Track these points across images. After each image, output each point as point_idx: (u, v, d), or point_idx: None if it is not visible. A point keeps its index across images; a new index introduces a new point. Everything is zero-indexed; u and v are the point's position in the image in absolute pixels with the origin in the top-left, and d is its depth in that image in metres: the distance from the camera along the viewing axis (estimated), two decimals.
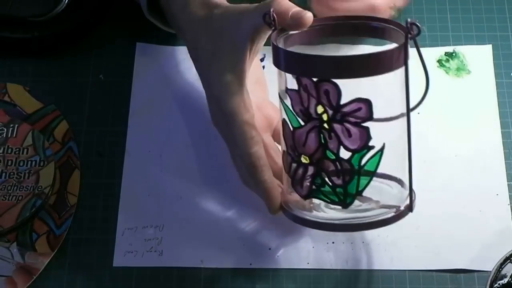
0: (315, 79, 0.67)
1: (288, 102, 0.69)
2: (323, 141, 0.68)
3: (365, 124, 0.67)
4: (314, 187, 0.70)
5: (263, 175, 0.73)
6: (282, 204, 0.74)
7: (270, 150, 0.77)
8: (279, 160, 0.75)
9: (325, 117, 0.67)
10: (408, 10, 0.90)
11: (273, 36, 0.70)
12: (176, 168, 0.82)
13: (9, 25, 0.87)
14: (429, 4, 0.90)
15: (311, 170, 0.70)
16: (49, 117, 0.84)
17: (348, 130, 0.67)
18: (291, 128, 0.70)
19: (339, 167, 0.69)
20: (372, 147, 0.68)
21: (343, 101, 0.67)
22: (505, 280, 0.70)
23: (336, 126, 0.67)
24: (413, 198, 0.72)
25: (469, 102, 0.84)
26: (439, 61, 0.86)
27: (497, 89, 0.85)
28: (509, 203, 0.79)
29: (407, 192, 0.72)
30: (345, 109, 0.67)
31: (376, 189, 0.71)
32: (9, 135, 0.83)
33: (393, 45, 0.68)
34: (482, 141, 0.82)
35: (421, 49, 0.68)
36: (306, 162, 0.70)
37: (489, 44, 0.88)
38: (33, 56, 0.88)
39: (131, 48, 0.88)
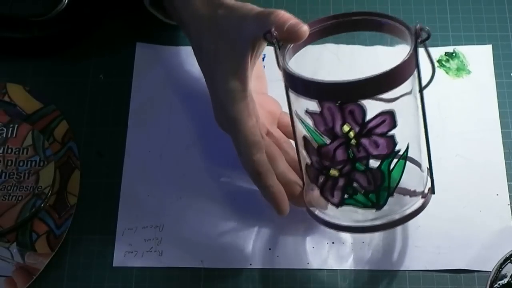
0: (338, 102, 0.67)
1: (309, 122, 0.69)
2: (351, 156, 0.69)
3: (390, 133, 0.68)
4: (346, 195, 0.71)
5: (267, 180, 0.74)
6: (307, 206, 0.75)
7: (281, 142, 0.77)
8: (291, 150, 0.77)
9: (351, 134, 0.68)
10: (408, 11, 0.90)
11: (280, 59, 0.69)
12: (176, 168, 0.81)
13: (9, 25, 0.87)
14: (429, 4, 0.90)
15: (341, 181, 0.70)
16: (49, 117, 0.84)
17: (375, 142, 0.68)
18: (316, 146, 0.70)
19: (369, 175, 0.69)
20: (399, 151, 0.69)
21: (368, 116, 0.67)
22: (505, 280, 0.70)
23: (364, 141, 0.68)
24: (432, 183, 0.74)
25: (469, 102, 0.84)
26: (439, 61, 0.86)
27: (497, 89, 0.85)
28: (509, 203, 0.79)
29: (425, 174, 0.73)
30: (371, 124, 0.68)
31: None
32: (9, 135, 0.83)
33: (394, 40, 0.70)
34: (482, 141, 0.82)
35: (421, 50, 0.69)
36: (336, 174, 0.70)
37: (489, 44, 0.87)
38: (33, 56, 0.88)
39: (131, 48, 0.88)
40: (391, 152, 0.69)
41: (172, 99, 0.85)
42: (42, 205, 0.79)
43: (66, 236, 0.78)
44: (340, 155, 0.69)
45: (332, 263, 0.77)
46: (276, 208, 0.74)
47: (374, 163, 0.69)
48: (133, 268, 0.77)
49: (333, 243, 0.77)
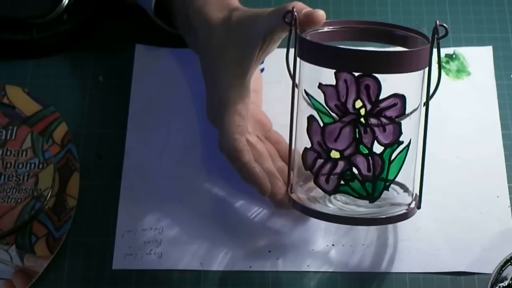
0: (356, 74, 0.68)
1: (319, 98, 0.70)
2: (357, 136, 0.69)
3: (398, 120, 0.69)
4: (342, 182, 0.71)
5: (245, 157, 0.74)
6: (290, 198, 0.75)
7: (270, 149, 0.78)
8: (276, 158, 0.78)
9: (362, 111, 0.69)
10: (408, 12, 0.90)
11: (298, 31, 0.71)
12: (175, 171, 0.81)
13: (9, 27, 0.87)
14: (429, 5, 0.90)
15: (341, 165, 0.71)
16: (48, 119, 0.84)
17: (383, 125, 0.69)
18: (321, 124, 0.70)
19: (371, 161, 0.70)
20: (402, 142, 0.70)
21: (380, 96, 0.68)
22: (506, 283, 0.70)
23: (373, 121, 0.69)
24: (420, 198, 0.74)
25: (469, 104, 0.84)
26: None
27: (497, 90, 0.85)
28: (509, 205, 0.79)
29: (410, 196, 0.74)
30: (383, 104, 0.69)
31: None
32: (8, 138, 0.82)
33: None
34: (482, 143, 0.82)
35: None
36: (336, 157, 0.71)
37: (489, 45, 0.87)
38: (32, 58, 0.88)
39: (131, 49, 0.88)
40: (395, 140, 0.69)
41: (171, 101, 0.85)
42: (41, 208, 0.79)
43: (66, 238, 0.78)
44: (346, 134, 0.70)
45: (332, 265, 0.76)
46: (258, 186, 0.74)
47: (377, 150, 0.70)
48: (132, 271, 0.77)
49: (333, 245, 0.77)
